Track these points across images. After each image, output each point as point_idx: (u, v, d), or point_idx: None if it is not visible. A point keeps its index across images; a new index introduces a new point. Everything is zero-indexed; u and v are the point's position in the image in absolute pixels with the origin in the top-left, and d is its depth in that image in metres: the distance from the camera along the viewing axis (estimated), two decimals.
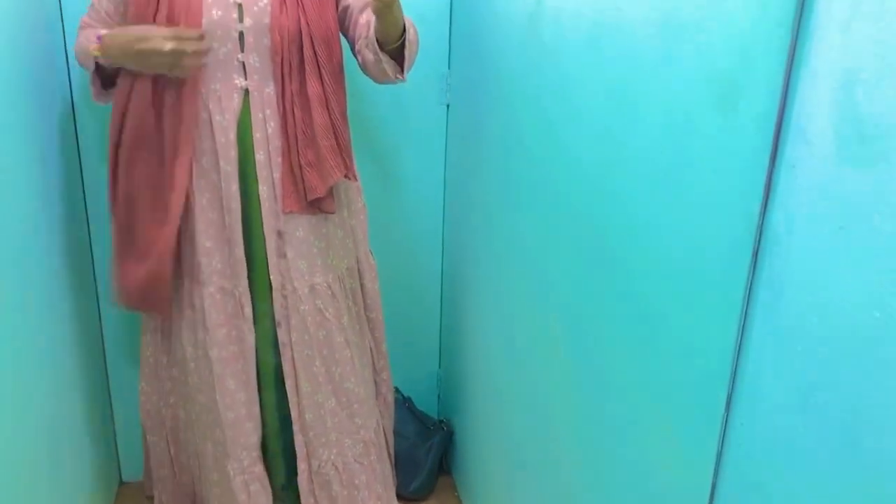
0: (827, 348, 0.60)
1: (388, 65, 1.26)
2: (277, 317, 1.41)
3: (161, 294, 1.36)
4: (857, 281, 0.56)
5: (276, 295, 1.40)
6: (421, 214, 1.95)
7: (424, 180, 1.93)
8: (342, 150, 1.37)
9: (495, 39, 1.46)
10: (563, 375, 1.16)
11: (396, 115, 1.84)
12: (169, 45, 1.16)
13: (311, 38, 1.29)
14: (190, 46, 1.18)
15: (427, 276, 2.01)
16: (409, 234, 1.96)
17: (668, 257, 0.83)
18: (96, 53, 1.24)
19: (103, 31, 1.25)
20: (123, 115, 1.29)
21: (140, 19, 1.24)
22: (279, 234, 1.38)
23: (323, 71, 1.31)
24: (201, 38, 1.19)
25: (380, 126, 1.84)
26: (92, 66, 1.28)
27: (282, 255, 1.39)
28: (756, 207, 0.66)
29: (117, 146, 1.32)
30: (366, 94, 1.75)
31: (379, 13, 1.17)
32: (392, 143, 1.88)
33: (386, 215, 1.89)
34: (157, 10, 1.23)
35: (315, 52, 1.29)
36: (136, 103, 1.27)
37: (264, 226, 1.37)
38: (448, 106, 1.86)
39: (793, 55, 0.61)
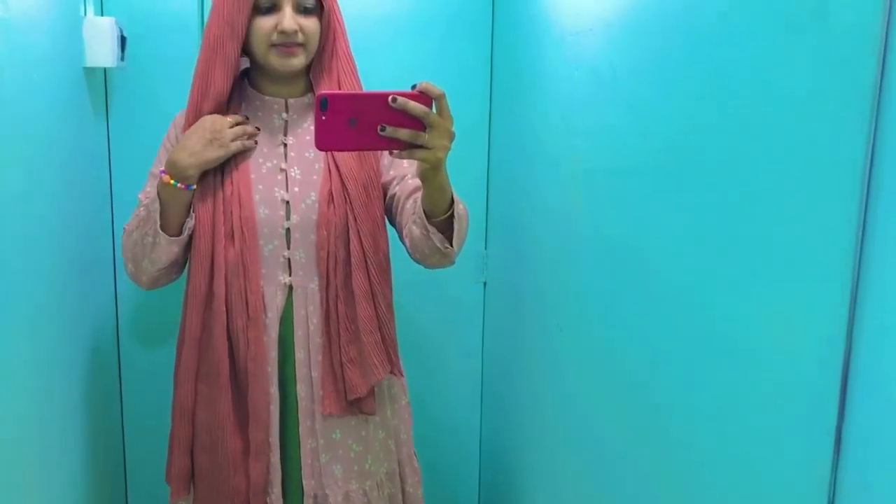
0: None
1: (435, 237, 1.18)
2: None
3: None
4: None
5: (307, 502, 1.32)
6: (457, 395, 1.90)
7: (461, 359, 1.88)
8: (387, 345, 1.32)
9: (533, 221, 1.47)
10: None
11: (433, 293, 1.83)
12: (231, 119, 1.25)
13: (358, 232, 1.26)
14: (248, 127, 1.27)
15: (464, 461, 1.93)
16: (445, 417, 1.89)
17: (731, 470, 0.75)
18: (169, 181, 1.20)
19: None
20: (199, 342, 1.27)
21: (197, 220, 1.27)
22: (315, 436, 1.31)
23: (369, 264, 1.28)
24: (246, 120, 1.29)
25: (416, 305, 1.83)
26: (155, 221, 1.22)
27: (316, 458, 1.31)
28: (827, 464, 0.59)
29: (196, 379, 1.28)
30: (401, 272, 1.75)
31: (424, 177, 1.12)
32: (428, 321, 1.85)
33: (421, 396, 1.83)
34: (213, 208, 1.25)
35: (362, 246, 1.27)
36: (214, 332, 1.26)
37: (300, 427, 1.30)
38: (485, 284, 1.85)
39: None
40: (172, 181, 1.20)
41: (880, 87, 0.56)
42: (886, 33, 0.55)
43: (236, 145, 1.24)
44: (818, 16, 0.64)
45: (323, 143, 1.04)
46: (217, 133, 1.22)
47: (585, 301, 1.19)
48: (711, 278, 0.80)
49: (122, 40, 1.49)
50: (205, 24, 1.27)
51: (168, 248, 1.24)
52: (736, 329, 0.76)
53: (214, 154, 1.22)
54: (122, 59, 1.50)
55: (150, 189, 1.28)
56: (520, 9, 1.55)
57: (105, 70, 1.56)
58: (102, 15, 1.53)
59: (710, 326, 0.81)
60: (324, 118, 1.02)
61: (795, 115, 0.66)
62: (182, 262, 1.30)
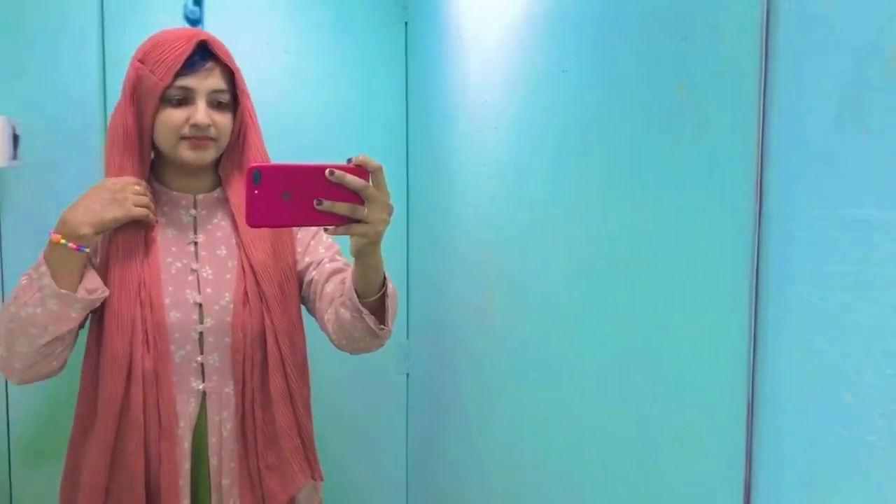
0: None
1: (369, 318, 1.11)
2: None
3: None
4: None
5: None
6: (382, 492, 1.81)
7: (385, 453, 1.81)
8: (307, 449, 1.24)
9: (451, 312, 1.44)
10: None
11: (355, 384, 1.77)
12: (137, 184, 1.15)
13: (274, 333, 1.20)
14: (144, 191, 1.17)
15: None
16: None
17: None
18: (59, 240, 1.07)
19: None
20: (112, 454, 1.14)
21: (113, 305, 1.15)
22: None
23: (287, 365, 1.21)
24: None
25: (337, 398, 1.76)
26: (41, 283, 1.07)
27: None
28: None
29: (105, 497, 1.15)
30: (323, 364, 1.69)
31: (361, 254, 1.06)
32: (350, 415, 1.78)
33: (343, 494, 1.75)
34: (132, 310, 1.15)
35: (279, 347, 1.20)
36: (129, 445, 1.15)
37: None
38: (408, 375, 1.80)
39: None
40: (63, 240, 1.07)
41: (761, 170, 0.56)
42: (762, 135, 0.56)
43: (139, 211, 1.14)
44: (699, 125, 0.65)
45: (254, 218, 0.95)
46: (118, 193, 1.13)
47: (498, 396, 1.16)
48: (621, 369, 0.79)
49: (15, 139, 1.43)
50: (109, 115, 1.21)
51: (61, 311, 1.07)
52: (649, 419, 0.74)
53: (112, 214, 1.11)
54: (15, 157, 1.43)
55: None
56: (430, 99, 1.56)
57: None
58: None
59: (622, 414, 0.79)
60: (256, 192, 0.94)
61: (684, 196, 0.67)
62: (67, 343, 1.14)
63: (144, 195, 1.16)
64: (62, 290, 1.07)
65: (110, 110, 1.59)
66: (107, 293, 1.13)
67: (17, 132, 1.44)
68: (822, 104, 0.51)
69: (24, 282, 1.11)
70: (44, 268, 1.08)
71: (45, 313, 1.07)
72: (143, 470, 1.15)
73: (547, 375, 0.98)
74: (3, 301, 1.52)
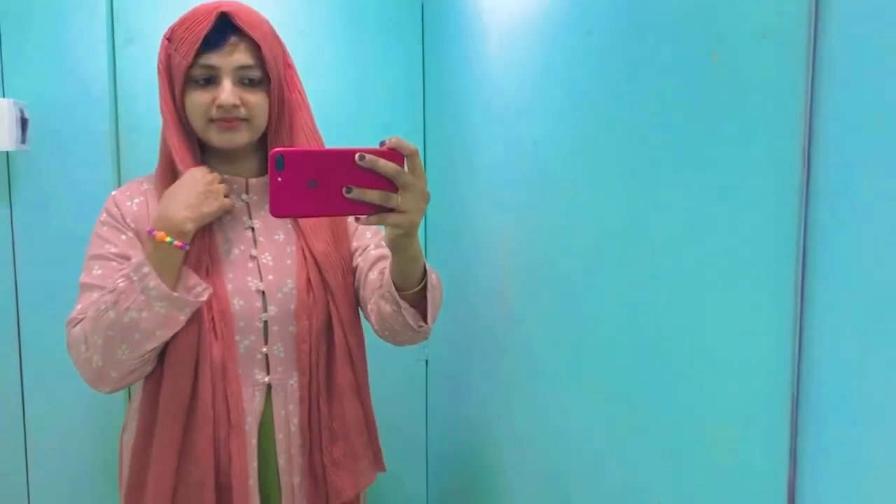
0: None
1: (407, 312, 1.04)
2: None
3: None
4: None
5: None
6: (400, 479, 1.78)
7: (404, 440, 1.78)
8: (373, 443, 1.23)
9: (470, 298, 1.40)
10: None
11: (373, 371, 1.73)
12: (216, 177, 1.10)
13: (341, 322, 1.15)
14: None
15: None
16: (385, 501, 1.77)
17: None
18: (164, 238, 1.02)
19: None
20: (179, 454, 1.08)
21: None
22: None
23: (353, 357, 1.17)
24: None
25: None
26: (147, 286, 1.01)
27: None
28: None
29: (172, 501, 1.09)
30: None
31: (396, 245, 0.98)
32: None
33: None
34: None
35: (346, 338, 1.16)
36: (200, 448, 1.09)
37: None
38: (427, 362, 1.76)
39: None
40: (168, 238, 1.02)
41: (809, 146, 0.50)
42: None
43: (230, 202, 1.10)
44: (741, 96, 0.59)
45: (279, 208, 0.88)
46: (210, 185, 1.07)
47: (520, 383, 1.12)
48: (650, 357, 0.74)
49: (24, 122, 1.40)
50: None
51: (170, 314, 1.02)
52: (681, 413, 0.69)
53: (209, 208, 1.06)
54: (24, 141, 1.40)
55: (101, 271, 1.08)
56: (447, 79, 1.51)
57: (7, 154, 1.45)
58: (3, 97, 1.44)
59: (652, 406, 0.74)
60: (280, 179, 0.87)
61: (720, 173, 0.61)
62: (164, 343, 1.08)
63: (224, 184, 1.11)
64: (174, 294, 1.02)
65: (119, 92, 1.57)
66: (210, 290, 1.07)
67: (26, 115, 1.41)
68: (883, 64, 0.45)
69: (122, 284, 1.02)
70: (147, 268, 1.01)
71: (153, 317, 1.01)
72: (213, 471, 1.09)
73: (571, 363, 0.94)
74: (15, 285, 1.50)
